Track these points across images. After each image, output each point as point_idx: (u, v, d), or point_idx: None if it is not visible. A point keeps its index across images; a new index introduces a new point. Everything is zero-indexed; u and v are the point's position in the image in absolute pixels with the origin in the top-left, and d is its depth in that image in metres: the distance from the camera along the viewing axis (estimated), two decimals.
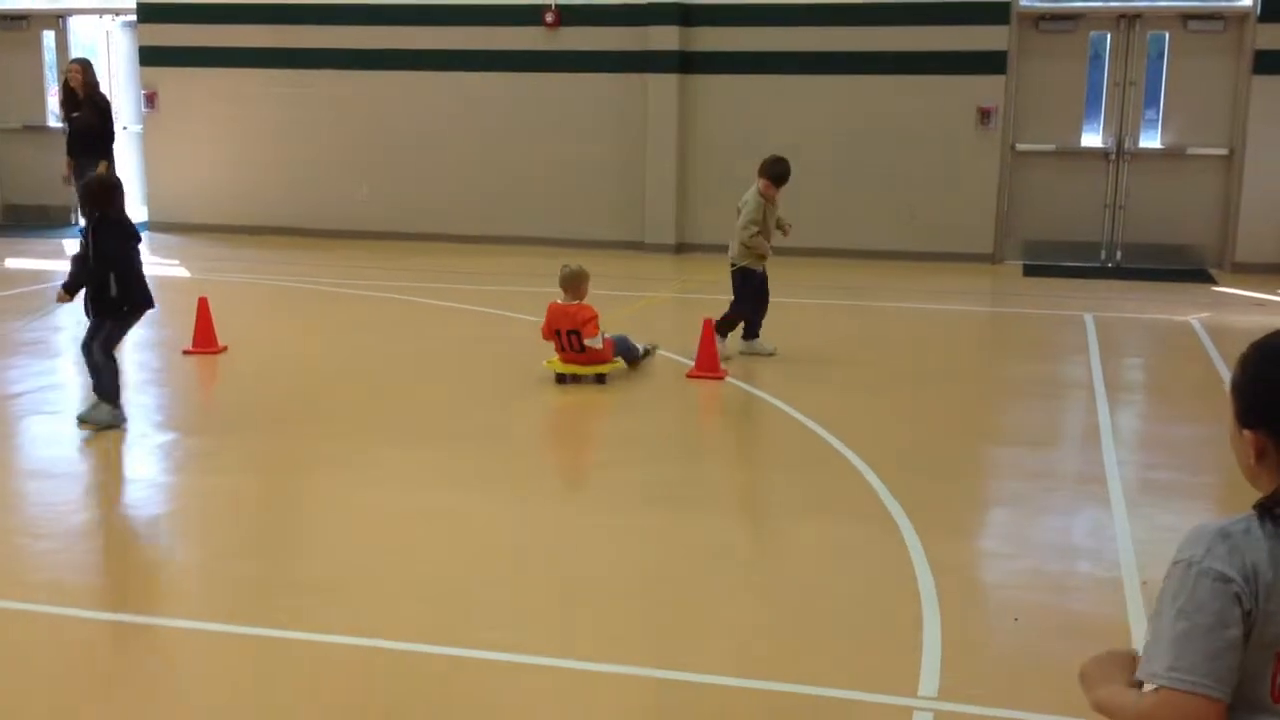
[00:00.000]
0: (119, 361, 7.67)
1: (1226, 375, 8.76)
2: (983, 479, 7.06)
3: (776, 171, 9.36)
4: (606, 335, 8.70)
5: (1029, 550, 5.88)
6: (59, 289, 7.50)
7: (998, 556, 5.89)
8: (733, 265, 9.47)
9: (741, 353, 9.44)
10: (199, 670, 4.67)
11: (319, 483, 6.83)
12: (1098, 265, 14.03)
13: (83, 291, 7.41)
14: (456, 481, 6.66)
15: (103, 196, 7.36)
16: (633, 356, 8.96)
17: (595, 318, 8.61)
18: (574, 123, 14.81)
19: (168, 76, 15.89)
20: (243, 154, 15.77)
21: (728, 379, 8.74)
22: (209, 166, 15.87)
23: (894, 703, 4.32)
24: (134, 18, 16.16)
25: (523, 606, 5.11)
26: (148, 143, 16.30)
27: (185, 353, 9.33)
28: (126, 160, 16.46)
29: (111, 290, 7.36)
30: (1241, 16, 13.52)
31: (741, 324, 9.51)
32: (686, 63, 14.44)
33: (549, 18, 14.66)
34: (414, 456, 7.09)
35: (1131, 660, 2.17)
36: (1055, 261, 14.02)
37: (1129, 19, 13.85)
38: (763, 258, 9.41)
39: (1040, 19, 13.97)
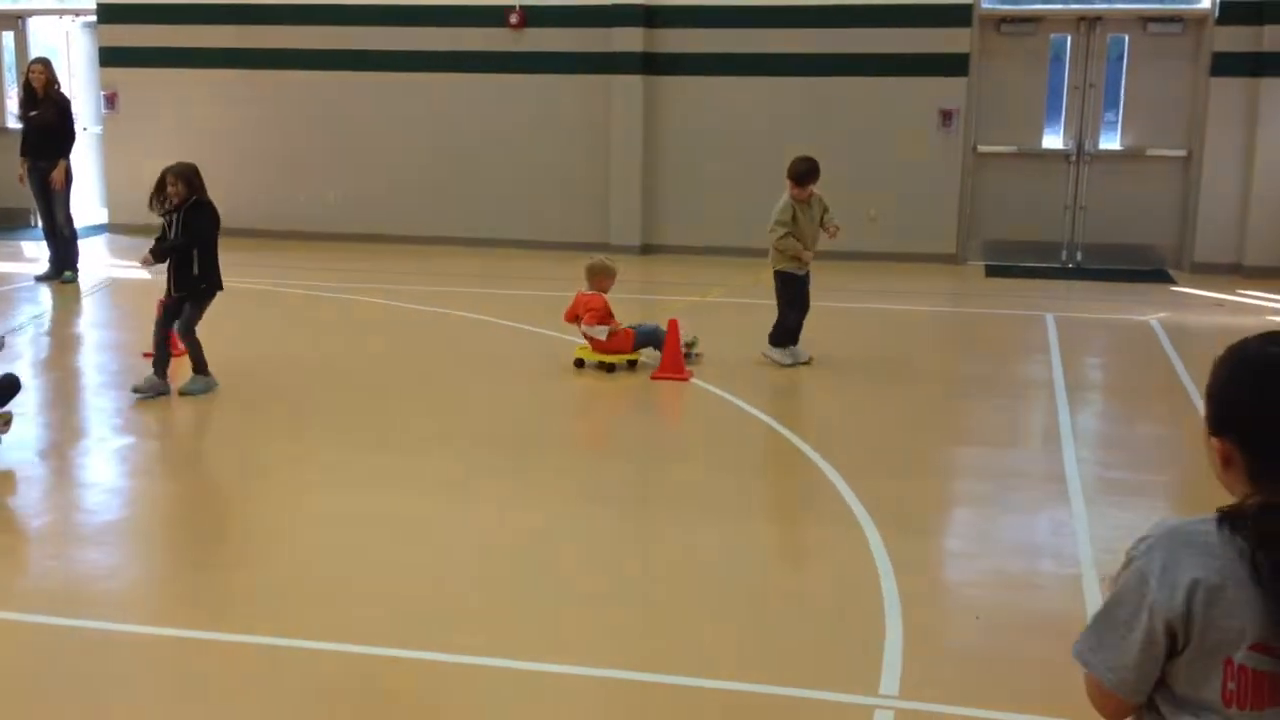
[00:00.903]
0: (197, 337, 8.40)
1: (1185, 375, 8.91)
2: (945, 478, 7.10)
3: (795, 171, 9.10)
4: (624, 327, 9.01)
5: (990, 549, 5.92)
6: (145, 253, 8.24)
7: (959, 555, 5.93)
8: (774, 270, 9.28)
9: (764, 354, 9.23)
10: (158, 676, 4.64)
11: (278, 487, 6.80)
12: (1059, 266, 14.12)
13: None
14: (414, 485, 6.64)
15: (197, 181, 8.28)
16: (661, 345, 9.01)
17: (599, 309, 8.95)
18: (539, 124, 14.79)
19: (128, 77, 15.76)
20: (204, 155, 15.48)
21: (692, 380, 8.75)
22: None
23: (855, 701, 4.35)
24: (94, 18, 16.03)
25: (484, 610, 5.11)
26: (108, 144, 16.16)
27: (145, 356, 9.23)
28: (86, 161, 16.33)
29: (194, 269, 8.20)
30: (1200, 19, 13.65)
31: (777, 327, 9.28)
32: (650, 64, 14.45)
33: (513, 19, 14.63)
34: (373, 460, 7.06)
35: None
36: (1017, 262, 14.11)
37: (1089, 21, 13.96)
38: (797, 260, 9.15)
39: (1001, 21, 14.05)
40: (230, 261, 12.11)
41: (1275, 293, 12.45)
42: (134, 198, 15.78)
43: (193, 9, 15.47)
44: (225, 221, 15.27)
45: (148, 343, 9.34)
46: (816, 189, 9.24)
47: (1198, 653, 1.99)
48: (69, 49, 16.68)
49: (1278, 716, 1.98)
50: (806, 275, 9.26)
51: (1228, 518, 2.00)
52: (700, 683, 4.49)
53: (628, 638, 4.91)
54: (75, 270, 12.67)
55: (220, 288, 8.46)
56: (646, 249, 14.67)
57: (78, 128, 13.15)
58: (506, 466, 6.95)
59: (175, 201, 8.19)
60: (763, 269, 9.44)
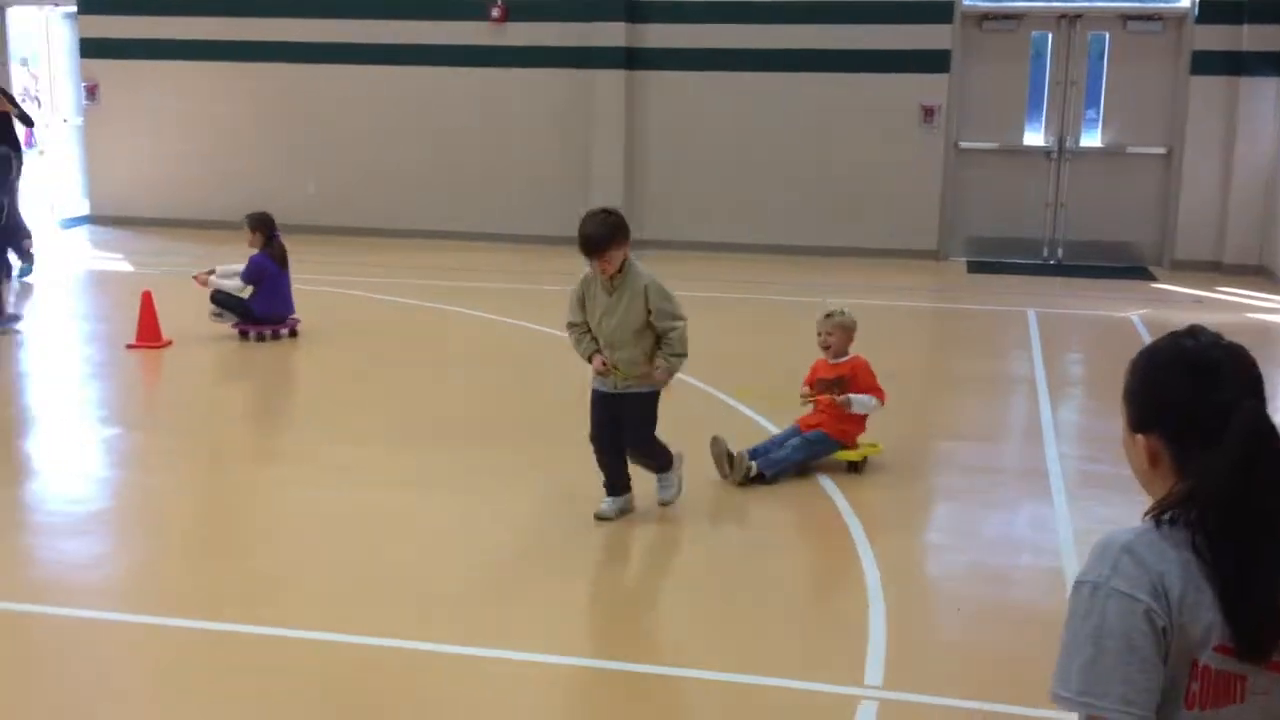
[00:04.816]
0: None
1: None
2: (927, 473, 7.13)
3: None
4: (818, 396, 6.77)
5: (972, 543, 5.96)
6: None
7: (942, 549, 5.97)
8: None
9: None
10: (145, 665, 4.65)
11: (265, 479, 6.80)
12: (1040, 262, 14.20)
13: None
14: (402, 479, 6.64)
15: None
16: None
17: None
18: (520, 118, 14.79)
19: (109, 69, 15.70)
20: (186, 147, 15.61)
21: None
22: (151, 160, 15.70)
23: (840, 692, 4.38)
24: (74, 9, 15.96)
25: (474, 601, 5.12)
26: (89, 135, 16.10)
27: (129, 347, 9.24)
28: (66, 153, 16.31)
29: None
30: (1179, 18, 13.73)
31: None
32: (632, 59, 14.46)
33: (495, 13, 14.63)
34: (359, 453, 7.06)
35: None
36: (998, 258, 14.17)
37: (1070, 19, 14.03)
38: (596, 371, 5.84)
39: (983, 18, 14.11)
40: (210, 254, 12.16)
41: (1253, 290, 12.54)
42: (116, 190, 15.81)
43: (174, 1, 15.41)
44: (206, 213, 15.38)
45: (130, 333, 9.36)
46: (644, 270, 5.89)
47: (1173, 659, 1.96)
48: (49, 40, 16.59)
49: (1233, 715, 1.99)
50: (606, 396, 5.88)
51: (1163, 514, 2.00)
52: (689, 674, 4.52)
53: (612, 628, 4.94)
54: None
55: None
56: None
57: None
58: (491, 460, 6.95)
59: None
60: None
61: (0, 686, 4.38)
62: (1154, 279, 13.25)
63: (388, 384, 8.68)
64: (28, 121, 12.84)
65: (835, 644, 4.81)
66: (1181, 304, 11.87)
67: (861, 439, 6.77)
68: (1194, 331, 2.11)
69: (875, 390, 6.69)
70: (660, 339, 5.77)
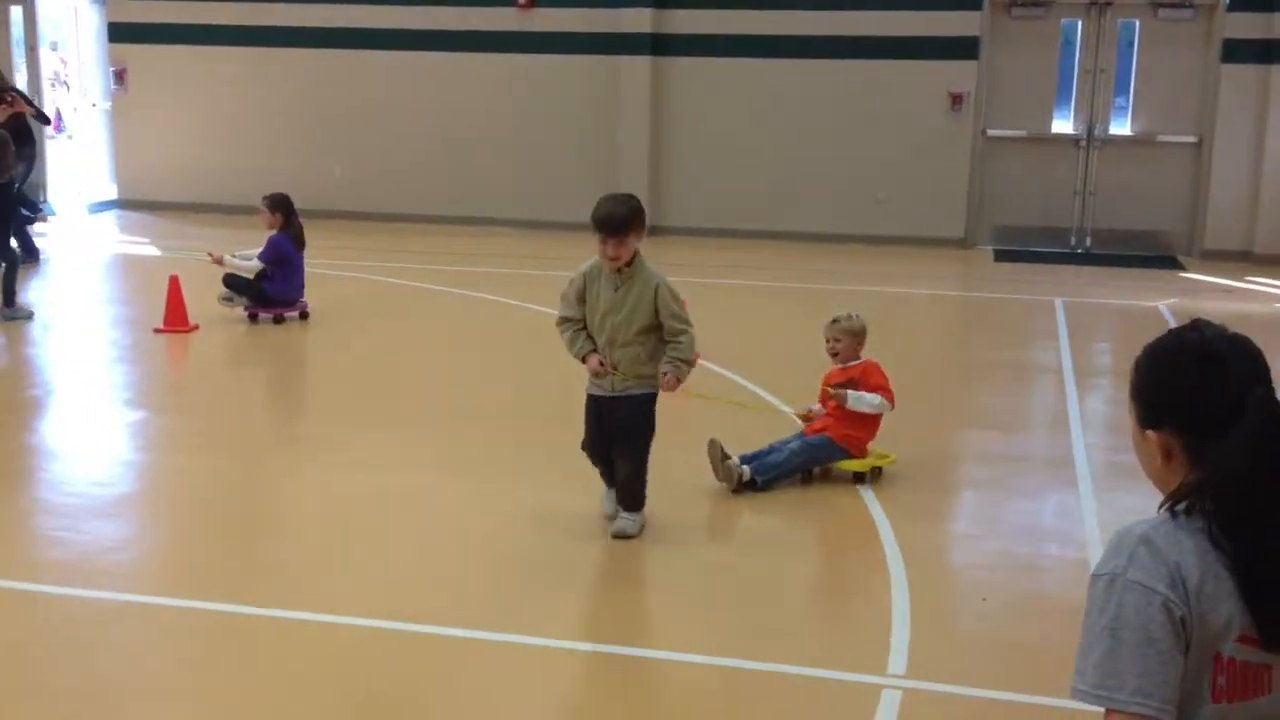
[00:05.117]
0: None
1: None
2: (953, 463, 7.10)
3: (593, 215, 5.54)
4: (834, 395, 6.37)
5: (998, 532, 5.94)
6: None
7: (967, 538, 5.94)
8: None
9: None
10: (167, 646, 4.67)
11: (289, 464, 6.82)
12: (1068, 251, 14.11)
13: None
14: (426, 465, 6.65)
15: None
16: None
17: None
18: (546, 105, 14.77)
19: (137, 53, 15.75)
20: (213, 132, 15.65)
21: (699, 361, 8.73)
22: (178, 144, 15.75)
23: (863, 681, 4.37)
24: None
25: (495, 587, 5.12)
26: (116, 120, 16.16)
27: (156, 331, 9.28)
28: (94, 137, 16.37)
29: None
30: (1211, 5, 13.60)
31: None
32: (659, 45, 14.42)
33: None
34: (384, 439, 7.07)
35: None
36: (1026, 247, 14.09)
37: (1100, 6, 13.91)
38: (592, 372, 5.56)
39: (1012, 5, 14.01)
40: (237, 238, 12.20)
41: None
42: (143, 174, 15.88)
43: None
44: (232, 198, 15.43)
45: (158, 317, 9.40)
46: (653, 263, 5.62)
47: (1194, 650, 1.93)
48: (78, 25, 16.65)
49: (1262, 706, 1.96)
50: (601, 400, 5.59)
51: (1178, 504, 1.99)
52: (712, 661, 4.51)
53: (636, 617, 4.93)
54: None
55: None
56: (654, 230, 14.64)
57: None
58: (509, 446, 6.95)
59: None
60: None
61: (26, 668, 4.41)
62: (1183, 268, 13.15)
63: (412, 369, 8.69)
64: (44, 120, 12.90)
65: (859, 632, 4.79)
66: (1211, 294, 11.78)
67: (873, 447, 6.47)
68: (1197, 325, 2.11)
69: (883, 391, 6.30)
70: (668, 341, 5.46)
